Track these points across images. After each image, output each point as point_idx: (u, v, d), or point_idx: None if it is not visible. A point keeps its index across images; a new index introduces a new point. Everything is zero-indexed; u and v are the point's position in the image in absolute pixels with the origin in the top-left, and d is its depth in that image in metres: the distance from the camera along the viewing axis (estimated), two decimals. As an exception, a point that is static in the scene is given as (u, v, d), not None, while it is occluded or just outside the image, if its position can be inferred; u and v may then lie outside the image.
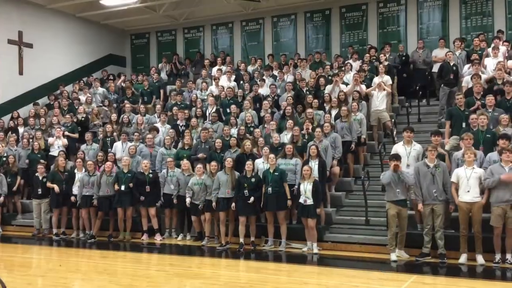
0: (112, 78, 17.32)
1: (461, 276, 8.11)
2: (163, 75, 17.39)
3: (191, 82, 15.46)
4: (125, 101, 14.60)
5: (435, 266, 8.47)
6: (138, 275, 8.33)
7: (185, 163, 11.05)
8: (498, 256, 8.25)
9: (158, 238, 11.11)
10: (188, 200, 10.60)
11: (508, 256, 8.21)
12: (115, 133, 12.98)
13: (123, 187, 11.06)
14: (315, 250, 9.49)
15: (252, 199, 9.76)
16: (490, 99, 9.97)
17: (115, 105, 15.15)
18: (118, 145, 12.36)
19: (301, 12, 17.92)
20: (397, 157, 8.84)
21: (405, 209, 8.83)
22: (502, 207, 8.14)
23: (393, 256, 8.72)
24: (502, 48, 12.30)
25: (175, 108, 13.65)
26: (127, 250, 10.79)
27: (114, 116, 13.60)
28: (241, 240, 9.97)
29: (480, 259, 8.33)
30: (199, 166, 10.70)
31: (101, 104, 15.28)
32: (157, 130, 12.71)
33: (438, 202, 8.60)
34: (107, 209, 11.45)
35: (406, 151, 9.31)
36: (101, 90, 15.87)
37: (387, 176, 8.78)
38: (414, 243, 8.88)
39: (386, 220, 8.95)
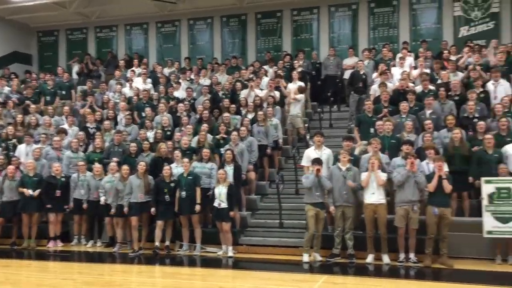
0: (14, 76, 16.29)
1: (368, 275, 8.47)
2: (74, 74, 16.68)
3: (103, 84, 14.96)
4: (26, 101, 13.82)
5: (344, 266, 8.80)
6: (44, 285, 7.94)
7: (97, 167, 10.67)
8: (402, 256, 8.71)
9: (51, 245, 10.63)
10: (102, 199, 10.24)
11: (411, 255, 8.69)
12: (18, 135, 12.21)
13: (31, 191, 10.49)
14: (230, 254, 9.53)
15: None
16: (404, 105, 10.52)
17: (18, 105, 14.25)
18: (21, 148, 11.66)
19: (218, 16, 17.97)
20: (319, 161, 9.10)
21: (322, 212, 9.10)
22: (405, 208, 8.61)
23: (305, 257, 8.95)
24: (409, 59, 13.06)
25: (85, 109, 13.14)
26: (32, 258, 10.23)
27: (19, 118, 12.83)
28: (157, 243, 9.80)
29: (385, 258, 8.76)
30: (113, 164, 10.45)
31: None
32: (65, 133, 12.16)
33: (349, 204, 8.96)
34: (10, 214, 10.79)
35: (317, 155, 9.61)
36: (7, 89, 14.87)
37: (310, 180, 8.99)
38: (325, 245, 9.17)
39: (306, 222, 9.15)
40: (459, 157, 9.19)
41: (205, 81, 14.32)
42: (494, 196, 8.52)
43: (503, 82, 10.98)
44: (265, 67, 14.78)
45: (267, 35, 17.44)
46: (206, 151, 10.16)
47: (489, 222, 8.51)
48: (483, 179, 8.68)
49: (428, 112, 10.41)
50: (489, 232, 8.52)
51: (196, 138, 11.00)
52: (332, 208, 9.02)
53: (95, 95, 14.18)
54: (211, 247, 9.89)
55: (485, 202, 8.59)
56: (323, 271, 8.61)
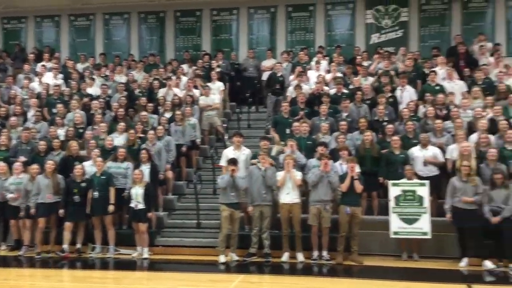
0: None
1: (283, 273, 8.66)
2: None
3: (10, 77, 14.09)
4: None
5: (260, 265, 8.91)
6: None
7: (1, 166, 10.04)
8: (315, 253, 8.96)
9: None
10: (10, 196, 9.64)
11: (324, 253, 8.96)
12: None
13: None
14: (146, 255, 9.33)
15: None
16: (324, 108, 10.80)
17: None
18: None
19: (135, 12, 17.52)
20: (234, 162, 9.12)
21: (237, 212, 9.13)
22: (317, 207, 8.87)
23: (222, 258, 8.96)
24: (324, 63, 13.46)
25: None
26: None
27: None
28: (65, 246, 9.38)
29: (300, 256, 8.98)
30: (17, 164, 9.89)
31: None
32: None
33: (267, 203, 9.07)
34: None
35: (236, 155, 9.66)
36: None
37: (225, 180, 8.99)
38: (242, 244, 9.24)
39: (220, 222, 9.15)
40: (369, 159, 9.60)
41: (121, 78, 13.92)
42: (400, 199, 8.94)
43: (409, 88, 11.63)
44: (184, 66, 14.63)
45: (186, 34, 17.25)
46: (122, 151, 9.89)
47: (395, 223, 8.92)
48: (390, 182, 9.08)
49: (344, 114, 10.80)
50: (396, 233, 8.94)
51: (118, 137, 10.67)
52: (250, 208, 9.09)
53: (0, 90, 13.34)
54: (125, 249, 9.62)
55: (392, 204, 8.99)
56: (240, 270, 8.66)
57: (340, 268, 8.72)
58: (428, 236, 8.78)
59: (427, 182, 8.97)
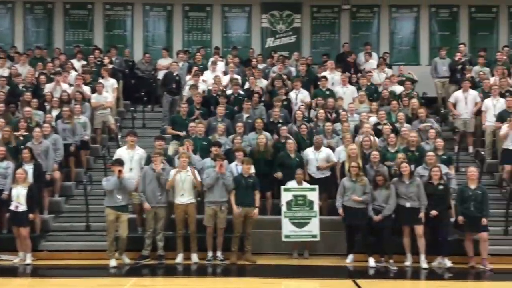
0: None
1: (177, 275, 8.55)
2: None
3: None
4: None
5: (154, 268, 8.72)
6: None
7: None
8: (210, 254, 8.96)
9: None
10: None
11: (218, 253, 8.99)
12: None
13: None
14: (28, 261, 8.73)
15: None
16: (221, 109, 10.81)
17: None
18: None
19: (20, 1, 16.38)
20: (120, 162, 8.83)
21: (125, 214, 8.84)
22: (213, 208, 8.89)
23: (112, 262, 8.63)
24: (220, 64, 13.50)
25: None
26: None
27: None
28: None
29: (194, 257, 8.92)
30: None
31: None
32: None
33: (162, 205, 8.90)
34: None
35: (129, 155, 9.37)
36: None
37: (112, 182, 8.66)
38: (134, 247, 8.98)
39: (106, 226, 8.78)
40: (264, 160, 9.77)
41: (3, 72, 12.93)
42: (292, 203, 9.19)
43: (303, 91, 12.06)
44: (73, 61, 13.94)
45: (77, 27, 16.45)
46: (1, 149, 9.19)
47: (287, 227, 9.15)
48: (282, 187, 9.29)
49: (245, 116, 10.90)
50: (287, 236, 9.16)
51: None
52: (147, 206, 8.85)
53: None
54: (5, 255, 8.94)
55: (283, 208, 9.21)
56: (132, 274, 8.41)
57: (234, 268, 8.78)
58: (317, 239, 9.13)
59: (316, 187, 9.29)
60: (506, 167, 10.27)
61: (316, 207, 9.16)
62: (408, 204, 8.74)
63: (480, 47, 15.00)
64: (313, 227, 9.12)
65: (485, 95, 11.70)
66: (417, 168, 9.24)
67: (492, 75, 12.69)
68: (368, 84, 12.47)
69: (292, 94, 11.99)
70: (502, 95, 11.45)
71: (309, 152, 9.89)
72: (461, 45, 14.31)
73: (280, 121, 10.84)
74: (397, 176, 9.03)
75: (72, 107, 11.02)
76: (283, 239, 9.17)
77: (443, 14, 16.56)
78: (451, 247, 8.84)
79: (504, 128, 10.27)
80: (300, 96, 11.90)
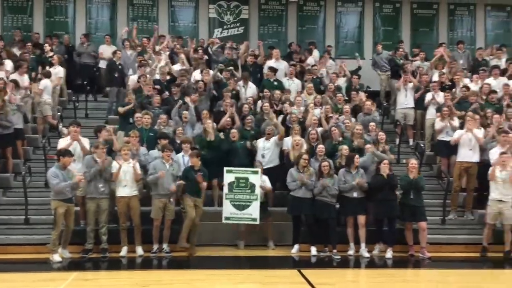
0: None
1: (121, 268, 8.40)
2: None
3: None
4: None
5: (97, 261, 8.54)
6: None
7: None
8: (155, 247, 8.85)
9: None
10: None
11: (164, 245, 8.90)
12: None
13: None
14: (-37, 256, 8.34)
15: None
16: (156, 99, 10.68)
17: None
18: None
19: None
20: (67, 153, 8.54)
21: (72, 206, 8.60)
22: (162, 200, 8.78)
23: (56, 257, 8.35)
24: (167, 53, 13.25)
25: None
26: None
27: None
28: None
29: (139, 250, 8.79)
30: None
31: None
32: None
33: (104, 196, 8.70)
34: None
35: (72, 146, 9.09)
36: None
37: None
38: (76, 240, 8.74)
39: (54, 219, 8.44)
40: (211, 149, 9.71)
41: None
42: (233, 185, 9.23)
43: (251, 85, 12.08)
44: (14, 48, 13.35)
45: (16, 13, 15.73)
46: None
47: (227, 209, 9.20)
48: (225, 168, 9.30)
49: (193, 106, 10.79)
50: (227, 218, 9.21)
51: None
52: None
53: None
54: None
55: (225, 190, 9.24)
56: (74, 268, 8.19)
57: (180, 260, 8.72)
58: (257, 222, 9.16)
59: (259, 169, 9.34)
60: (443, 159, 10.69)
61: (257, 191, 9.19)
62: (354, 194, 8.96)
63: (421, 43, 15.53)
64: (254, 210, 9.15)
65: (425, 89, 12.09)
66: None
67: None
68: (313, 77, 12.64)
69: (241, 86, 11.99)
70: (442, 89, 11.88)
71: (259, 142, 9.95)
72: (401, 43, 14.83)
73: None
74: (342, 167, 9.23)
75: (7, 96, 10.51)
76: (223, 220, 9.18)
77: (386, 10, 16.99)
78: (394, 237, 9.13)
79: (438, 122, 10.67)
80: (249, 90, 11.93)
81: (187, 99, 10.90)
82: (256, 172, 9.30)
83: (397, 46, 14.48)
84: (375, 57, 14.28)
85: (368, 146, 9.56)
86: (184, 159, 9.30)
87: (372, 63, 14.33)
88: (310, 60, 13.96)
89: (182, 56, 12.98)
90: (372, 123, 10.52)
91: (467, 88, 11.80)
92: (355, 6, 16.93)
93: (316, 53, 14.50)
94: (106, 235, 8.70)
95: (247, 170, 9.35)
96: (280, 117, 10.76)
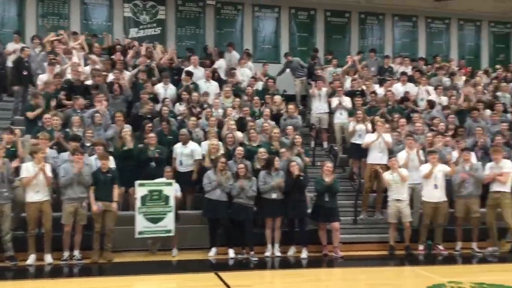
0: None
1: (28, 277, 7.94)
2: None
3: None
4: None
5: (2, 270, 8.00)
6: None
7: None
8: (66, 254, 8.46)
9: None
10: None
11: (75, 252, 8.52)
12: None
13: None
14: None
15: None
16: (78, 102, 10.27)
17: None
18: None
19: None
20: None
21: None
22: (73, 205, 8.43)
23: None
24: (81, 52, 12.73)
25: None
26: None
27: None
28: None
29: (48, 258, 8.37)
30: None
31: None
32: None
33: (6, 202, 8.22)
34: None
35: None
36: None
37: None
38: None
39: None
40: (127, 158, 9.44)
41: None
42: (146, 198, 8.96)
43: (171, 86, 11.91)
44: None
45: None
46: None
47: (141, 223, 8.91)
48: (136, 182, 9.02)
49: (99, 107, 10.35)
50: (141, 233, 8.93)
51: None
52: None
53: None
54: None
55: (138, 204, 8.94)
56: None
57: (95, 267, 8.40)
58: (172, 234, 9.03)
59: (173, 181, 9.18)
60: (355, 161, 11.13)
61: (171, 202, 9.05)
62: (273, 196, 9.08)
63: (334, 49, 16.10)
64: (168, 222, 8.99)
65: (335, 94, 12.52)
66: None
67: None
68: (236, 82, 12.69)
69: (160, 88, 11.79)
70: (350, 94, 12.35)
71: (177, 147, 9.82)
72: (316, 51, 15.33)
73: (149, 116, 10.59)
74: (259, 170, 9.33)
75: None
76: (136, 235, 8.91)
77: (301, 17, 17.45)
78: (307, 237, 9.35)
79: (352, 125, 11.11)
80: (169, 91, 11.74)
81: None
82: (169, 184, 9.13)
83: (313, 54, 14.94)
84: (290, 64, 14.58)
85: (282, 150, 9.73)
86: (96, 162, 8.97)
87: (284, 68, 14.61)
88: (221, 63, 13.90)
89: (94, 57, 12.52)
90: (289, 127, 10.73)
91: (375, 93, 12.40)
92: (272, 11, 17.23)
93: (235, 54, 14.55)
94: (11, 242, 8.19)
95: (161, 182, 9.14)
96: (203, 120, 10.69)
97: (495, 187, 9.54)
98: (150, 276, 8.01)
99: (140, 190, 8.97)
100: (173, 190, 9.06)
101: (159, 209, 8.98)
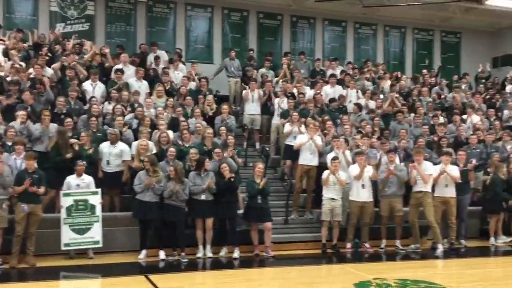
0: None
1: None
2: None
3: None
4: None
5: None
6: None
7: None
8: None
9: None
10: None
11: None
12: None
13: None
14: None
15: None
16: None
17: None
18: None
19: None
20: None
21: None
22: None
23: None
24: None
25: None
26: None
27: None
28: None
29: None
30: None
31: None
32: None
33: None
34: None
35: None
36: None
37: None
38: None
39: None
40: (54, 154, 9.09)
41: None
42: (72, 209, 8.68)
43: (100, 84, 11.59)
44: None
45: None
46: None
47: (66, 235, 8.61)
48: (61, 192, 8.72)
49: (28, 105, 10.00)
50: (67, 245, 8.63)
51: None
52: None
53: None
54: None
55: (63, 215, 8.63)
56: None
57: (14, 272, 7.99)
58: (100, 245, 8.80)
59: (99, 190, 8.95)
60: (288, 162, 11.29)
61: (98, 212, 8.81)
62: (203, 197, 9.03)
63: (266, 51, 16.27)
64: (96, 233, 8.77)
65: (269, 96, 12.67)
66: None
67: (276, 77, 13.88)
68: (170, 81, 12.52)
69: (88, 86, 11.41)
70: (286, 97, 12.54)
71: (104, 147, 9.54)
72: (251, 51, 15.44)
73: (64, 111, 10.23)
74: (192, 170, 9.26)
75: None
76: (62, 247, 8.59)
77: (234, 17, 17.49)
78: (239, 237, 9.39)
79: (287, 126, 11.27)
80: (97, 89, 11.40)
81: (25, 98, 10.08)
82: (96, 193, 8.87)
83: (248, 54, 15.02)
84: (226, 62, 14.56)
85: (217, 151, 9.70)
86: (15, 162, 8.56)
87: (222, 67, 14.60)
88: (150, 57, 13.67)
89: (13, 52, 11.91)
90: (222, 127, 10.73)
91: (303, 95, 12.66)
92: (205, 11, 17.15)
93: (163, 54, 14.24)
94: None
95: (86, 191, 8.85)
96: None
97: (417, 187, 9.98)
98: (76, 282, 7.74)
99: (65, 200, 8.65)
100: (99, 200, 8.81)
101: (85, 219, 8.71)
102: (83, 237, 8.69)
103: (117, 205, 9.53)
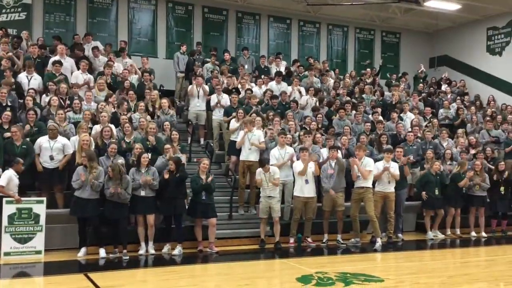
0: None
1: None
2: None
3: None
4: None
5: None
6: None
7: None
8: None
9: None
10: None
11: None
12: None
13: None
14: None
15: None
16: None
17: None
18: None
19: None
20: None
21: None
22: None
23: None
24: None
25: None
26: None
27: None
28: None
29: None
30: None
31: None
32: None
33: None
34: None
35: None
36: None
37: None
38: None
39: None
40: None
41: None
42: (14, 217, 8.39)
43: (36, 76, 11.13)
44: None
45: None
46: None
47: (7, 243, 8.34)
48: (4, 200, 8.38)
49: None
50: (7, 254, 8.34)
51: None
52: None
53: None
54: None
55: (4, 223, 8.32)
56: None
57: None
58: (41, 255, 8.54)
59: (44, 199, 8.74)
60: (232, 158, 11.28)
61: (42, 221, 8.55)
62: (142, 193, 8.88)
63: (212, 46, 16.16)
64: (38, 242, 8.53)
65: (213, 91, 12.60)
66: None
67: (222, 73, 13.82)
68: (112, 74, 12.19)
69: (23, 78, 10.93)
70: (227, 92, 12.50)
71: (43, 141, 9.21)
72: (199, 45, 15.34)
73: (8, 104, 9.77)
74: (134, 166, 9.07)
75: None
76: (2, 256, 8.27)
77: (179, 11, 17.25)
78: (184, 234, 9.29)
79: (233, 123, 11.24)
80: (33, 81, 10.93)
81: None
82: (41, 202, 8.60)
83: (196, 49, 14.87)
84: (178, 56, 14.35)
85: (167, 147, 9.56)
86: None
87: (175, 62, 14.43)
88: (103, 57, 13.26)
89: None
90: (166, 122, 10.56)
91: (250, 91, 12.68)
92: (148, 3, 16.83)
93: (97, 44, 13.80)
94: None
95: (31, 200, 8.60)
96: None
97: (359, 183, 10.22)
98: (13, 280, 7.42)
99: (8, 207, 8.33)
100: (44, 209, 8.55)
101: (28, 228, 8.45)
102: (25, 246, 8.45)
103: (60, 202, 9.19)
